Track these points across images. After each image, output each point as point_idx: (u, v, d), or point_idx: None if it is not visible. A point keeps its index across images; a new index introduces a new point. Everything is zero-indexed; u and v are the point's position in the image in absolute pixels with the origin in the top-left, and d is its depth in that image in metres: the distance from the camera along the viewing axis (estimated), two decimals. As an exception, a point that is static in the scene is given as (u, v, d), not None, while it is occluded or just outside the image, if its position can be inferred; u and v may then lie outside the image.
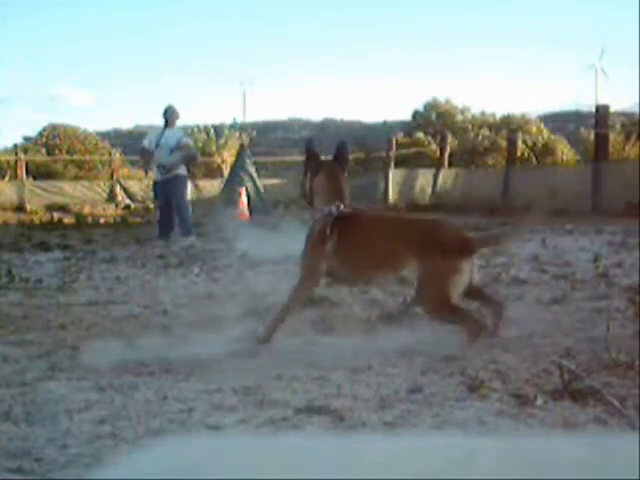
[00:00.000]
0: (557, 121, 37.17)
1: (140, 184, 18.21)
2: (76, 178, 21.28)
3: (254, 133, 24.67)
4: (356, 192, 9.97)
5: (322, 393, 2.41)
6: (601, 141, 13.10)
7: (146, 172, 9.51)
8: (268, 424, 2.12)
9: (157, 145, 8.20)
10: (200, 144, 23.63)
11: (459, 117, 29.29)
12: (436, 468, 0.53)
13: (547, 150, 23.52)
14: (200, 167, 20.80)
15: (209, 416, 2.21)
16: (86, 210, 16.60)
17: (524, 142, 20.81)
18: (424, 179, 16.70)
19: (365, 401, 2.31)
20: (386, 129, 34.85)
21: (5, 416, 2.24)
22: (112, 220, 13.11)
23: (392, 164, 17.45)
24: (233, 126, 23.75)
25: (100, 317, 3.89)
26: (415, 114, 29.85)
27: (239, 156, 13.55)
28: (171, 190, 8.19)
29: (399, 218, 3.80)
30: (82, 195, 18.19)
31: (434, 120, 28.44)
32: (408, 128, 28.34)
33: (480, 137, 24.69)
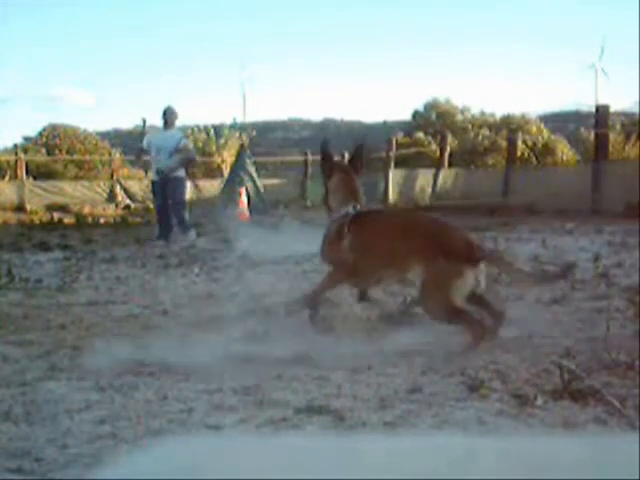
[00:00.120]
0: (557, 121, 37.23)
1: (140, 184, 18.20)
2: (76, 178, 21.27)
3: (254, 133, 24.68)
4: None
5: (322, 393, 2.41)
6: (601, 141, 13.08)
7: (146, 172, 9.52)
8: (268, 424, 2.12)
9: (156, 148, 8.22)
10: (200, 144, 23.68)
11: (459, 117, 29.32)
12: (436, 468, 0.53)
13: (547, 150, 23.53)
14: (200, 167, 20.83)
15: (209, 416, 2.21)
16: (86, 210, 16.58)
17: (524, 142, 20.81)
18: (424, 179, 16.69)
19: (365, 401, 2.31)
20: (386, 129, 34.88)
21: (5, 416, 2.24)
22: (112, 220, 13.10)
23: (392, 164, 17.44)
24: (233, 126, 23.75)
25: (100, 317, 3.90)
26: (415, 114, 29.89)
27: (239, 156, 13.54)
28: (169, 191, 8.22)
29: (411, 218, 3.67)
30: (82, 195, 18.16)
31: (434, 120, 28.47)
32: (408, 128, 28.38)
33: (480, 137, 24.71)
